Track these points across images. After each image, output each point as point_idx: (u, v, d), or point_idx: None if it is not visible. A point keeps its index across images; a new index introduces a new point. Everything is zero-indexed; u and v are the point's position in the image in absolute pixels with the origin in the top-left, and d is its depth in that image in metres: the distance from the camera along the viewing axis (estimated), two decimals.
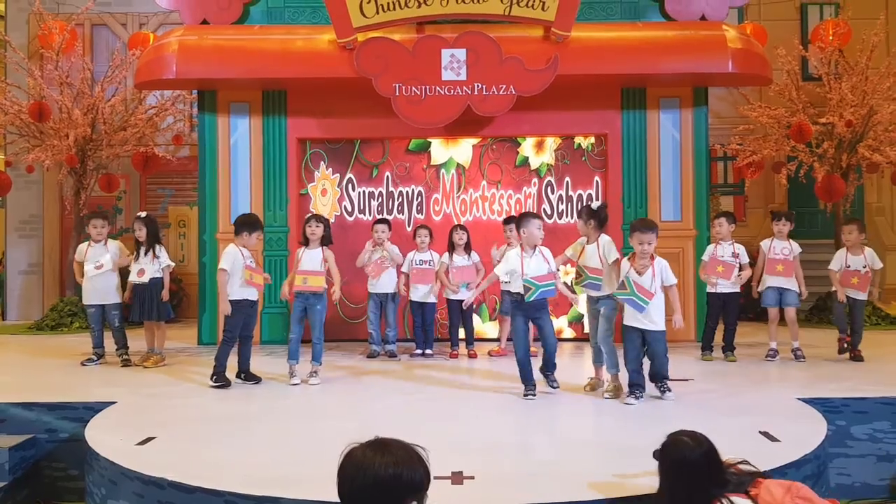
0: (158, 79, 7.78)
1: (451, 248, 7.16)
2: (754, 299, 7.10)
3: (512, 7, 7.38)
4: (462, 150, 8.43)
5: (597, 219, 5.36)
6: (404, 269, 7.16)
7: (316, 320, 6.02)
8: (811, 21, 10.86)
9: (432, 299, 7.18)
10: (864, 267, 6.66)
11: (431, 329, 7.24)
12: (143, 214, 6.91)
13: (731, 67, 7.47)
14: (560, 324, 8.06)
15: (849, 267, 6.70)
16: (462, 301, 7.07)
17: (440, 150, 8.43)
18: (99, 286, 6.80)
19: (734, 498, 2.90)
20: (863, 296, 6.72)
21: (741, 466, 3.12)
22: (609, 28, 7.78)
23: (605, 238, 5.40)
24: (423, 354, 7.14)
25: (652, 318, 5.13)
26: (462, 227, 7.23)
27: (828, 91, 9.55)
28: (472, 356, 7.11)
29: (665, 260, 5.27)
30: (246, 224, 6.01)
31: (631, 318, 5.19)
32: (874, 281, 6.73)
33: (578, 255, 5.47)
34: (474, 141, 8.36)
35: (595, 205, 5.41)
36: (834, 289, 6.78)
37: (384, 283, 7.11)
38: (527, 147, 8.38)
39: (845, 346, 6.71)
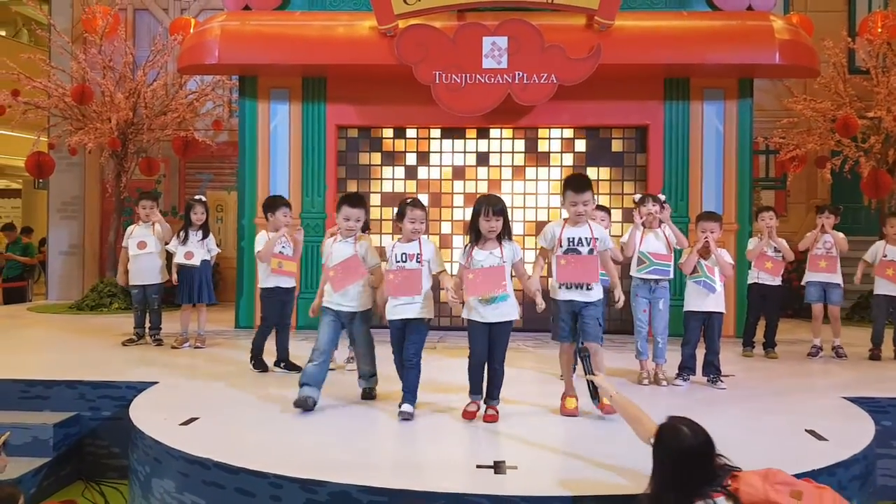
0: (201, 63, 7.83)
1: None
2: (793, 295, 6.94)
3: None
4: None
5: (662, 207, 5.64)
6: None
7: None
8: (859, 13, 10.58)
9: None
10: None
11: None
12: (203, 198, 6.87)
13: (778, 59, 7.32)
14: None
15: (885, 257, 6.59)
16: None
17: None
18: (142, 267, 6.85)
19: (717, 498, 2.72)
20: None
21: (718, 461, 2.94)
22: (653, 17, 7.66)
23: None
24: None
25: (719, 300, 5.45)
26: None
27: (875, 85, 9.33)
28: None
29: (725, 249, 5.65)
30: (266, 206, 5.93)
31: (695, 305, 5.48)
32: None
33: (639, 243, 5.60)
34: None
35: (662, 197, 5.73)
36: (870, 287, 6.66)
37: None
38: None
39: (876, 355, 6.57)
